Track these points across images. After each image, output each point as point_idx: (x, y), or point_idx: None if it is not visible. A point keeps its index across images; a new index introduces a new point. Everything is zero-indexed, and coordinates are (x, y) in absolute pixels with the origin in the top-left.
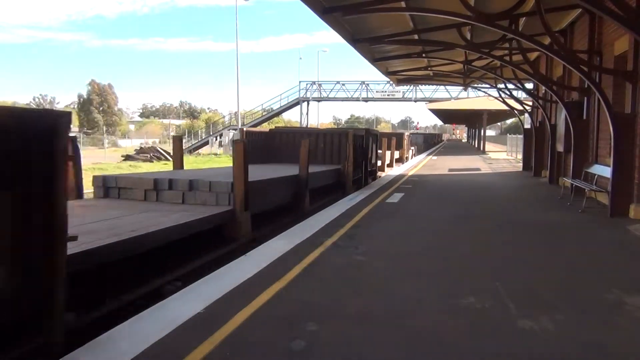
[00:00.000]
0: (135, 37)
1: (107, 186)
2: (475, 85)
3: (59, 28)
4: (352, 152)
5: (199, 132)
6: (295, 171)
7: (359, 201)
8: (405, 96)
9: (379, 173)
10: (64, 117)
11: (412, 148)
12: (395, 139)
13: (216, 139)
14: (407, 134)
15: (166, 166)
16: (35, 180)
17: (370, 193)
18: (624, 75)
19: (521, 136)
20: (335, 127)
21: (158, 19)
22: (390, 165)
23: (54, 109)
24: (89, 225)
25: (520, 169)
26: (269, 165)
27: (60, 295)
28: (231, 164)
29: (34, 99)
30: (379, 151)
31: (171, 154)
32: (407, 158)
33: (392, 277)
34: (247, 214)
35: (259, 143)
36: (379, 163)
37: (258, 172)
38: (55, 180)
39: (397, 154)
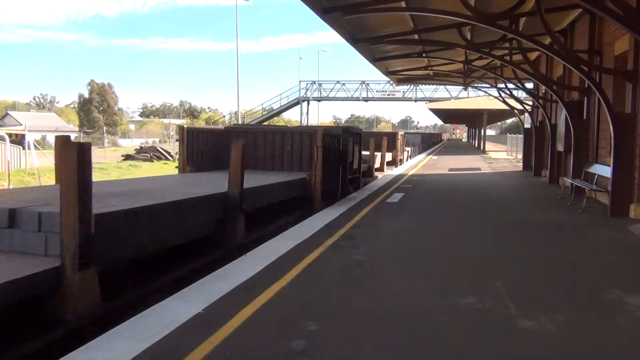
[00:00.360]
0: (135, 37)
1: None
2: (476, 84)
3: (59, 28)
4: (321, 157)
5: None
6: (246, 182)
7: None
8: (405, 96)
9: (368, 178)
10: None
11: (408, 149)
12: (386, 139)
13: None
14: (400, 133)
15: (166, 166)
16: None
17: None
18: (624, 75)
19: (521, 136)
20: (335, 125)
21: (158, 18)
22: (380, 169)
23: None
24: None
25: (521, 169)
26: (218, 172)
27: None
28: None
29: (34, 99)
30: (365, 153)
31: (171, 153)
32: (401, 160)
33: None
34: (88, 274)
35: (207, 145)
36: (366, 168)
37: (169, 188)
38: None
39: (389, 157)
